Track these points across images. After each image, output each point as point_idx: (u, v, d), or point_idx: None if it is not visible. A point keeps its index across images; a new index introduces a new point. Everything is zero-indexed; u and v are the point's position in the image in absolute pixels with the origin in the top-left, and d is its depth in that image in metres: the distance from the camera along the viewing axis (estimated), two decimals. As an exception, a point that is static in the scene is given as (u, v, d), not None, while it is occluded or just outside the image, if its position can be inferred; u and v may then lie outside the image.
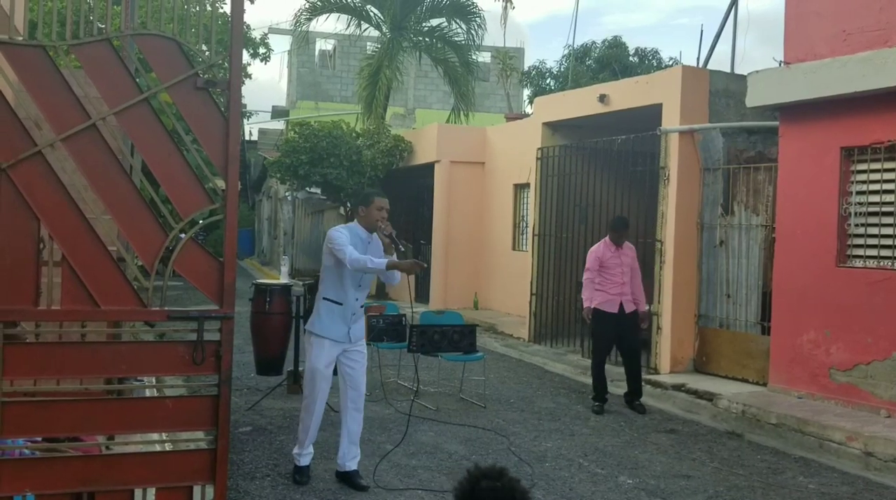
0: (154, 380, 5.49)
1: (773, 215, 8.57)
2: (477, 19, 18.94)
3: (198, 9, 3.79)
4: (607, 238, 8.21)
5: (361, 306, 5.50)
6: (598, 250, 8.18)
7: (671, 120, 9.50)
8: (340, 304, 5.32)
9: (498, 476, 2.15)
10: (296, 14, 19.28)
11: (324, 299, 5.38)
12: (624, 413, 7.93)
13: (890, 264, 7.30)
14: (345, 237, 5.23)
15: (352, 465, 5.42)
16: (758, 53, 47.91)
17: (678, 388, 8.63)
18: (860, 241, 7.56)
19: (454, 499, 2.17)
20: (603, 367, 8.11)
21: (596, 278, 8.05)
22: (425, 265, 5.21)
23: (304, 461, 5.45)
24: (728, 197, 9.22)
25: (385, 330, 8.34)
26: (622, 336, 8.14)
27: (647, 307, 8.17)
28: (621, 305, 8.00)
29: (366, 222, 5.39)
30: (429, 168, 16.30)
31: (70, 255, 3.39)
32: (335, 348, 5.35)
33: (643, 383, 8.28)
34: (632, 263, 8.17)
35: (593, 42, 20.85)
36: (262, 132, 37.42)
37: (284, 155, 17.49)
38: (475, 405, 7.93)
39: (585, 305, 8.12)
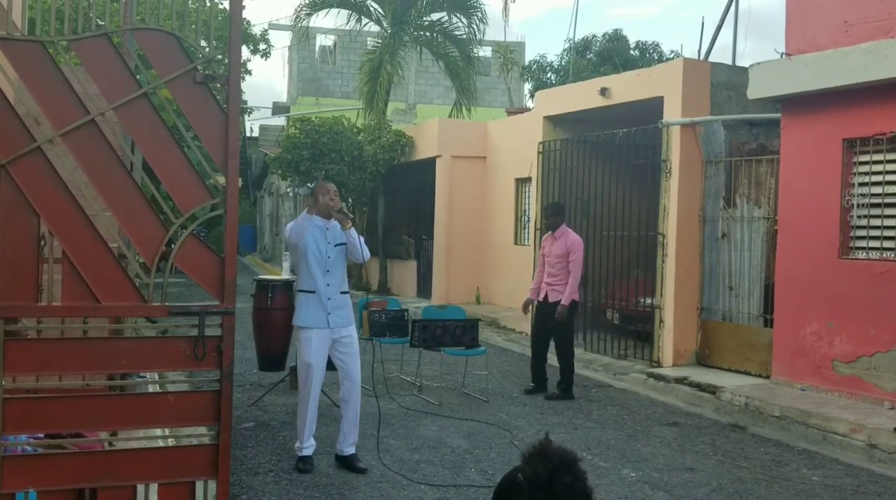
0: (156, 376, 5.49)
1: (775, 208, 8.56)
2: (478, 13, 18.89)
3: (196, 5, 3.78)
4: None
5: (342, 293, 5.65)
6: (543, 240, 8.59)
7: (673, 113, 9.48)
8: (313, 292, 5.56)
9: (580, 474, 1.94)
10: (296, 10, 19.26)
11: (299, 291, 5.68)
12: (627, 407, 7.93)
13: (892, 255, 7.28)
14: (290, 225, 5.66)
15: (350, 450, 5.63)
16: (749, 46, 47.70)
17: (681, 381, 8.63)
18: (863, 232, 7.54)
19: (524, 473, 1.92)
20: (536, 354, 8.44)
21: (542, 266, 8.43)
22: (342, 207, 5.56)
23: (307, 451, 5.59)
24: (730, 190, 9.21)
25: (387, 325, 8.34)
26: (548, 327, 8.28)
27: (566, 302, 8.05)
28: (546, 295, 8.22)
29: (320, 211, 5.63)
30: (430, 163, 16.29)
31: (70, 251, 3.39)
32: (321, 339, 5.53)
33: (573, 374, 8.35)
34: (563, 253, 8.12)
35: (594, 36, 20.79)
36: (263, 129, 37.43)
37: (286, 151, 17.49)
38: (478, 400, 7.93)
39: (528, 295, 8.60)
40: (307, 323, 5.54)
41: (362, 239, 5.65)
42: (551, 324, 8.20)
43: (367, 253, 5.64)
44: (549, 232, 8.32)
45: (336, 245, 5.58)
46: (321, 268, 5.54)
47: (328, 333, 5.54)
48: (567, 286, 8.07)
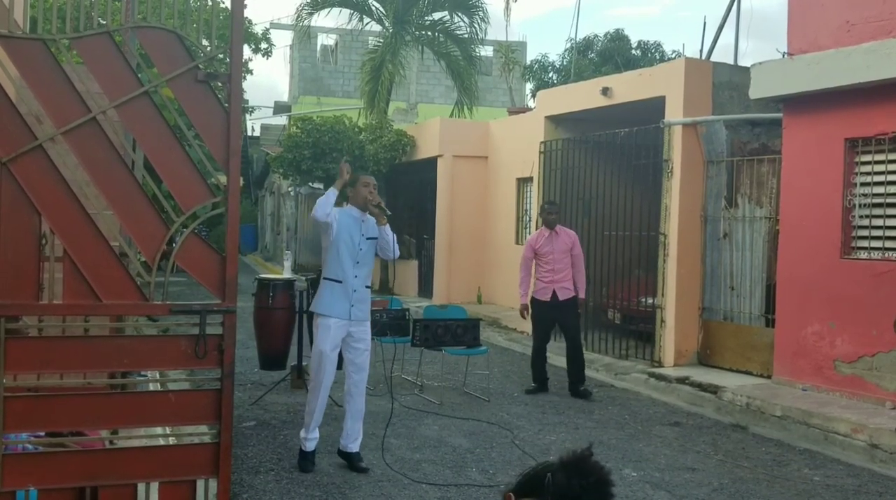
0: (157, 374, 5.50)
1: (777, 208, 8.55)
2: (479, 13, 18.88)
3: (198, 4, 3.78)
4: (543, 226, 8.43)
5: (367, 287, 5.61)
6: (532, 238, 8.45)
7: (674, 112, 9.47)
8: (340, 281, 5.50)
9: (609, 498, 1.88)
10: (297, 9, 19.25)
11: (324, 279, 5.59)
12: (628, 406, 7.93)
13: (894, 255, 7.27)
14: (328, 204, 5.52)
15: (354, 447, 5.60)
16: (750, 46, 47.49)
17: (682, 381, 8.62)
18: (865, 232, 7.53)
19: (554, 477, 1.85)
20: (540, 354, 8.39)
21: (531, 267, 8.34)
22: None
23: (310, 446, 5.56)
24: (732, 189, 9.20)
25: (388, 325, 8.33)
26: (561, 324, 8.32)
27: (582, 295, 8.44)
28: (554, 292, 8.15)
29: (356, 202, 5.63)
30: (432, 163, 16.28)
31: (72, 250, 3.39)
32: (340, 330, 5.48)
33: (585, 370, 8.49)
34: (567, 248, 8.21)
35: (595, 35, 20.75)
36: (264, 128, 37.44)
37: (287, 150, 17.49)
38: (479, 399, 7.93)
39: (523, 300, 8.42)
40: (329, 312, 5.47)
41: (394, 237, 5.65)
42: (568, 321, 8.23)
43: (397, 251, 5.64)
44: (549, 229, 8.29)
45: (368, 239, 5.58)
46: (352, 259, 5.51)
47: (347, 324, 5.49)
48: (580, 280, 8.28)
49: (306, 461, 5.53)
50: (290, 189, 26.33)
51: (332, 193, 5.45)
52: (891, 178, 7.30)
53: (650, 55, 20.14)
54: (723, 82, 9.57)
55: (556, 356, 10.52)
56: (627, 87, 10.47)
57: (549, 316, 8.30)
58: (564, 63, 20.42)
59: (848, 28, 7.50)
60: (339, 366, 5.73)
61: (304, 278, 8.45)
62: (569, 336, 8.32)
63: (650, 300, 9.83)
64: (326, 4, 19.23)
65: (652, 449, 6.38)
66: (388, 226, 5.54)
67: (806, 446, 6.64)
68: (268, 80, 69.32)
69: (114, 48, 3.47)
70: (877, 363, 7.26)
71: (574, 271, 8.25)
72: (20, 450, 3.49)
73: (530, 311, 8.47)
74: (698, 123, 9.37)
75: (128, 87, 3.48)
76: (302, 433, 5.59)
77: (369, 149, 17.08)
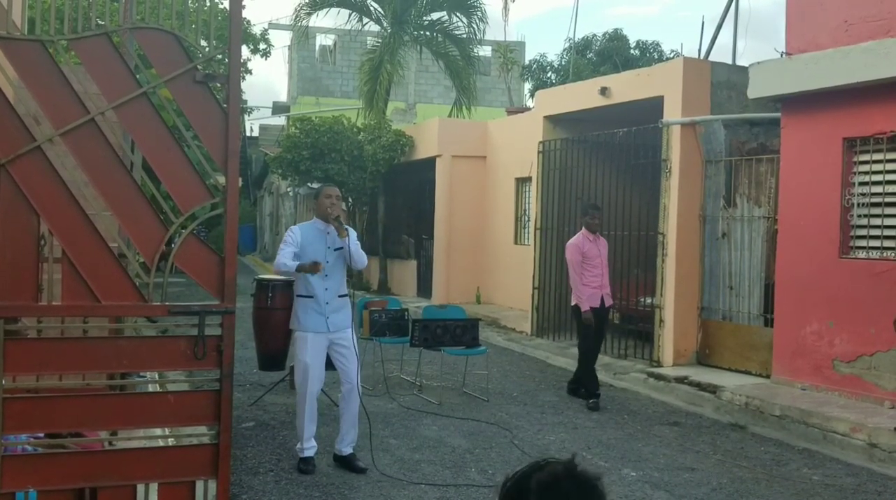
0: (156, 375, 5.49)
1: (775, 207, 8.55)
2: (478, 13, 18.89)
3: (196, 4, 3.77)
4: (584, 229, 8.01)
5: (341, 296, 5.60)
6: (578, 241, 7.94)
7: (673, 112, 9.48)
8: (311, 297, 5.52)
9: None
10: (296, 9, 19.24)
11: (297, 296, 5.63)
12: (627, 406, 7.93)
13: (893, 254, 7.28)
14: (291, 238, 5.51)
15: (347, 449, 5.62)
16: (746, 46, 47.49)
17: (681, 380, 8.62)
18: (863, 232, 7.53)
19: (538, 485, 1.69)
20: (592, 362, 8.12)
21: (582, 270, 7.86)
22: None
23: (308, 452, 5.57)
24: (730, 189, 9.21)
25: (387, 325, 8.33)
26: (602, 332, 8.24)
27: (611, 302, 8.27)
28: (602, 298, 7.94)
29: (319, 214, 5.62)
30: (430, 163, 16.28)
31: (70, 251, 3.39)
32: (318, 340, 5.51)
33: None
34: (605, 255, 8.09)
35: (594, 35, 20.80)
36: (263, 128, 37.46)
37: (286, 150, 17.49)
38: (478, 399, 7.93)
39: (585, 307, 7.78)
40: (305, 328, 5.51)
41: (358, 245, 5.59)
42: (601, 329, 8.14)
43: (363, 261, 5.60)
44: (592, 234, 7.98)
45: (335, 249, 5.55)
46: (320, 274, 5.48)
47: (326, 334, 5.51)
48: (609, 286, 8.09)
49: (306, 464, 5.53)
50: (288, 190, 26.32)
51: (293, 266, 5.41)
52: (889, 177, 7.31)
53: (648, 55, 20.19)
54: (721, 82, 9.57)
55: (556, 356, 10.55)
56: (626, 86, 10.48)
57: (597, 322, 7.96)
58: (563, 63, 20.45)
59: (846, 27, 7.51)
60: (331, 366, 5.71)
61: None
62: (596, 343, 8.16)
63: (649, 300, 9.83)
64: (325, 5, 19.23)
65: (651, 449, 6.38)
66: (349, 237, 5.47)
67: (805, 445, 6.64)
68: (266, 81, 69.27)
69: (112, 49, 3.47)
70: (875, 363, 7.27)
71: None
72: (19, 451, 3.49)
73: (581, 318, 7.97)
74: (697, 122, 9.38)
75: (126, 88, 3.48)
76: (298, 445, 5.61)
77: (368, 149, 17.09)
